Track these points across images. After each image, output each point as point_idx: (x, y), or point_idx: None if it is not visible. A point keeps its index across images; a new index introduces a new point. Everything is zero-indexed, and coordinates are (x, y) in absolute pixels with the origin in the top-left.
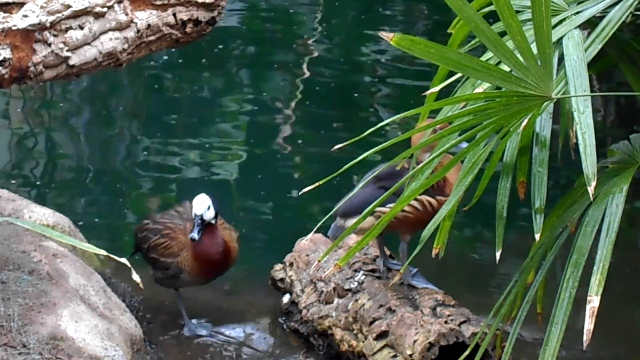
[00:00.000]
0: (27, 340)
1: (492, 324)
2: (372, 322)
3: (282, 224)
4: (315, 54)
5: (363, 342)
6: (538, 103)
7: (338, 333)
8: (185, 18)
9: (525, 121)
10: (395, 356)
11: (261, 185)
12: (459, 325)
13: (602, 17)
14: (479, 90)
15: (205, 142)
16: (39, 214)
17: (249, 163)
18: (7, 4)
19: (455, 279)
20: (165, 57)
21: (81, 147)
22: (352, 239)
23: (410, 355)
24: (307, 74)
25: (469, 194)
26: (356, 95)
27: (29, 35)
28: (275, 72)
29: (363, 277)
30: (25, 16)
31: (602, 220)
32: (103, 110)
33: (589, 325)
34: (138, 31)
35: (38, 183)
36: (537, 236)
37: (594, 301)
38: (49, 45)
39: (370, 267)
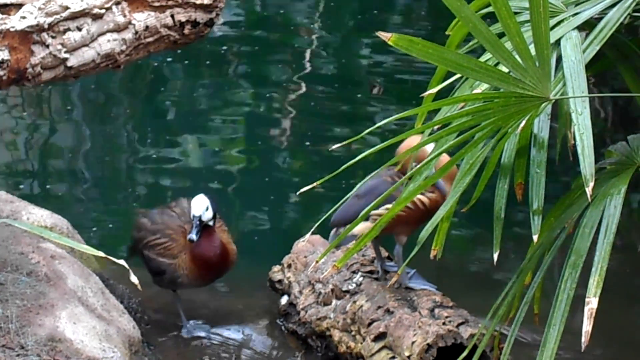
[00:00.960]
0: (25, 342)
1: (490, 325)
2: (370, 324)
3: (280, 226)
4: (315, 52)
5: (361, 343)
6: (536, 104)
7: (336, 334)
8: (183, 19)
9: (524, 122)
10: (393, 357)
11: (259, 186)
12: (457, 326)
13: (600, 19)
14: (477, 91)
15: (203, 143)
16: (37, 216)
17: (247, 164)
18: (5, 5)
19: (453, 280)
20: (169, 59)
21: (80, 148)
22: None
23: (409, 357)
24: (309, 69)
25: (467, 196)
26: (355, 94)
27: (27, 37)
28: (275, 71)
29: (361, 279)
30: (23, 18)
31: (600, 221)
32: (102, 112)
33: (587, 326)
34: (136, 33)
35: (36, 184)
36: (535, 237)
37: (592, 302)
38: (47, 46)
39: (369, 268)
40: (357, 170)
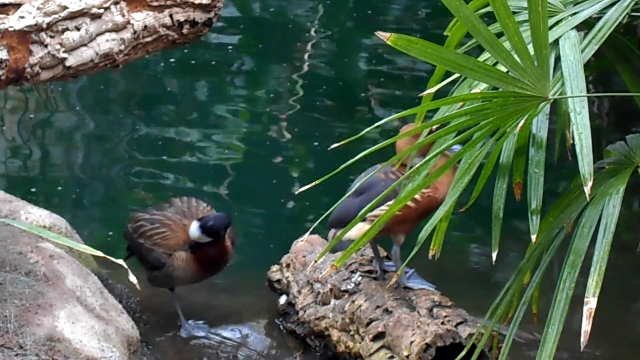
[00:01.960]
0: (23, 342)
1: (489, 325)
2: (368, 323)
3: (278, 225)
4: (315, 51)
5: (360, 343)
6: (535, 104)
7: (335, 334)
8: (181, 19)
9: (522, 122)
10: (392, 357)
11: (258, 185)
12: (456, 326)
13: (598, 19)
14: (476, 90)
15: (201, 143)
16: (36, 215)
17: (245, 163)
18: (4, 5)
19: (451, 280)
20: (172, 60)
21: (78, 147)
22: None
23: (407, 357)
24: (306, 68)
25: (465, 195)
26: (356, 94)
27: (26, 37)
28: (274, 70)
29: (360, 278)
30: (22, 17)
31: (599, 221)
32: (101, 111)
33: (586, 326)
34: (134, 32)
35: (34, 184)
36: (534, 237)
37: (591, 302)
38: (46, 46)
39: (367, 268)
40: (356, 170)
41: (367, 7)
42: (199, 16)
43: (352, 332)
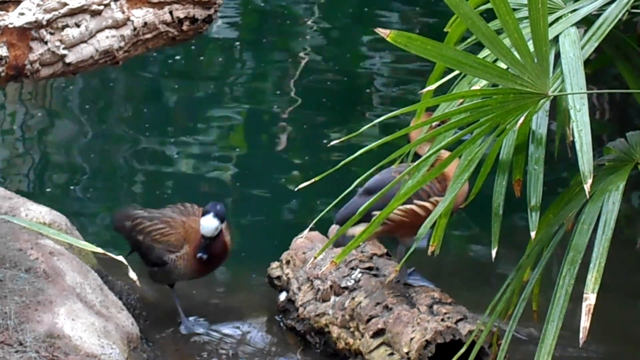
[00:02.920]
0: (23, 338)
1: (489, 321)
2: (368, 320)
3: (278, 222)
4: (313, 48)
5: (360, 340)
6: (534, 100)
7: (335, 331)
8: (181, 16)
9: (522, 119)
10: (392, 354)
11: (257, 182)
12: (456, 322)
13: (598, 15)
14: (476, 87)
15: (201, 140)
16: (36, 212)
17: (245, 160)
18: (4, 2)
19: (451, 276)
20: (177, 58)
21: (78, 144)
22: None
23: (407, 353)
24: (306, 58)
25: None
26: (356, 92)
27: (26, 33)
28: (274, 68)
29: (360, 275)
30: (22, 14)
31: (599, 218)
32: (101, 108)
33: (585, 322)
34: (134, 29)
35: (34, 180)
36: (533, 234)
37: (590, 299)
38: (46, 43)
39: (367, 264)
40: (355, 167)
41: (368, 2)
42: (199, 13)
43: (352, 329)
